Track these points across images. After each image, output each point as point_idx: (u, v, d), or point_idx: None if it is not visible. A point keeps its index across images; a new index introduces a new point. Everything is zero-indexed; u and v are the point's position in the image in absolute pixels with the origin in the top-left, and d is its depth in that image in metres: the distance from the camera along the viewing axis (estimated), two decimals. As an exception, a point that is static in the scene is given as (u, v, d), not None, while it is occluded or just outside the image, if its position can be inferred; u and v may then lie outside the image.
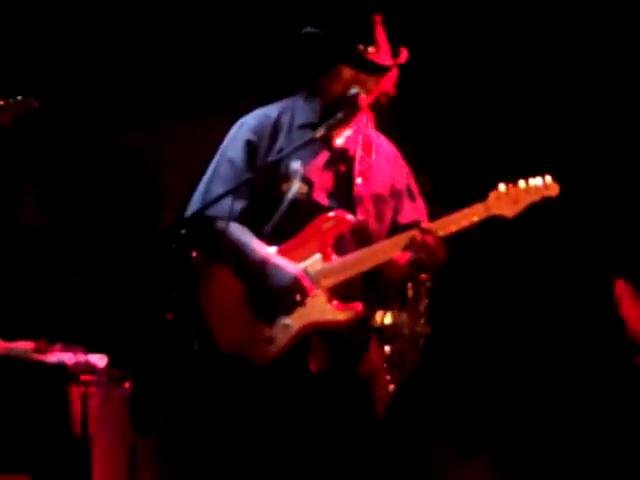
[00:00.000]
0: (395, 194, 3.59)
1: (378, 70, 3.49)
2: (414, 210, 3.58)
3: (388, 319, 3.53)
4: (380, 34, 3.50)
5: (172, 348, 3.89)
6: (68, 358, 4.40)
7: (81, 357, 4.43)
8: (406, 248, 3.37)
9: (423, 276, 3.53)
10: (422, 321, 3.51)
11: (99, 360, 4.49)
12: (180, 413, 4.65)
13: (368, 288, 3.50)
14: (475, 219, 3.36)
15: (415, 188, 3.65)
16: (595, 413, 4.96)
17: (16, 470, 4.21)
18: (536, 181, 3.36)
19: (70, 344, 4.50)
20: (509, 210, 3.35)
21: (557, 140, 5.19)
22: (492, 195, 3.37)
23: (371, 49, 3.47)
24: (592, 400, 5.01)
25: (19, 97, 3.71)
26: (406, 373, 3.74)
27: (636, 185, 5.12)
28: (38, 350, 4.41)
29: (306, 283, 3.37)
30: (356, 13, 3.56)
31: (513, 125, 5.24)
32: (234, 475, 3.41)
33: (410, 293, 3.47)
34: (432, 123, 5.18)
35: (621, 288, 4.83)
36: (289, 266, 3.39)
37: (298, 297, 3.37)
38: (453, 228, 3.38)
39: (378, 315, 3.64)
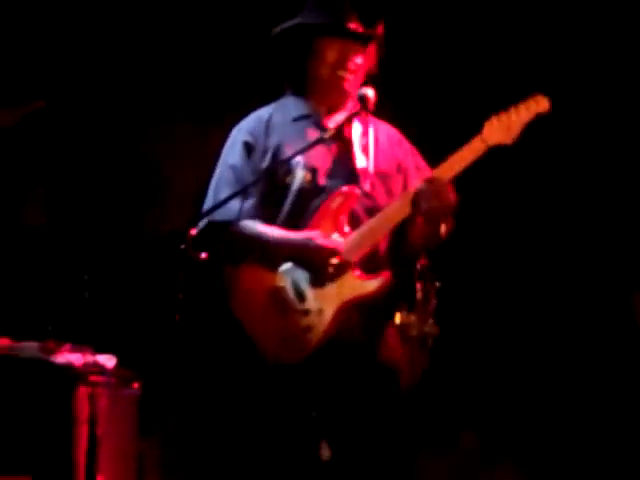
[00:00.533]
0: (402, 171, 3.63)
1: (362, 38, 3.56)
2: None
3: (397, 320, 3.51)
4: (351, 12, 3.59)
5: (181, 349, 3.88)
6: (77, 359, 4.40)
7: (90, 358, 4.43)
8: (415, 202, 3.39)
9: (443, 228, 3.51)
10: (430, 321, 3.49)
11: (107, 361, 4.49)
12: (195, 417, 4.66)
13: (395, 256, 3.53)
14: (474, 155, 3.38)
15: (424, 165, 3.68)
16: (613, 418, 4.95)
17: (19, 471, 4.21)
18: (525, 101, 3.38)
19: (79, 344, 4.50)
20: (506, 137, 3.37)
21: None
22: (486, 126, 3.39)
23: (349, 24, 3.55)
24: (610, 404, 5.00)
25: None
26: (414, 375, 3.72)
27: None
28: (46, 350, 4.41)
29: (335, 244, 3.39)
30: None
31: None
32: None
33: (419, 294, 3.45)
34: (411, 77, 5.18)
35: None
36: (313, 234, 3.43)
37: (334, 260, 3.39)
38: (456, 169, 3.40)
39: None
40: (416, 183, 3.56)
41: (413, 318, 3.47)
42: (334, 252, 3.41)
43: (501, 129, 3.37)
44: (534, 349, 5.23)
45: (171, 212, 5.45)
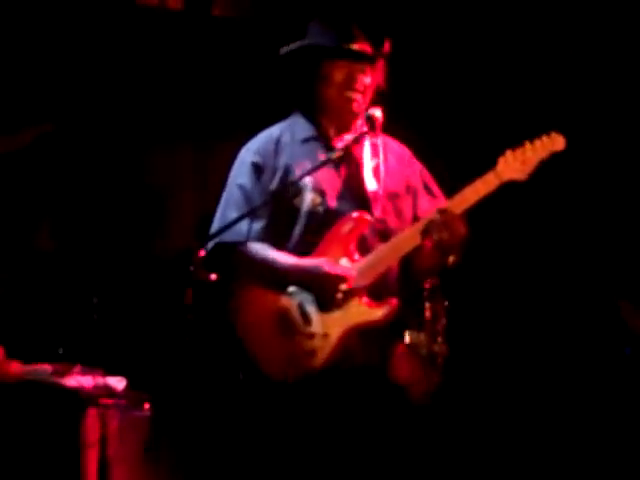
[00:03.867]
0: (411, 191, 3.62)
1: (367, 59, 3.56)
2: (434, 204, 3.59)
3: (406, 339, 3.52)
4: (357, 30, 3.58)
5: (191, 370, 3.89)
6: (87, 381, 4.40)
7: (100, 380, 4.44)
8: (425, 232, 3.39)
9: (452, 259, 3.51)
10: (440, 340, 3.49)
11: (118, 383, 4.49)
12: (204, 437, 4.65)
13: (404, 283, 3.54)
14: (488, 189, 3.38)
15: (433, 184, 3.68)
16: (614, 432, 4.94)
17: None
18: (541, 138, 3.38)
19: (89, 367, 4.50)
20: (520, 173, 3.37)
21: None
22: (500, 161, 3.39)
23: (354, 45, 3.55)
24: (610, 418, 4.99)
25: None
26: (426, 393, 3.72)
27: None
28: (57, 373, 4.42)
29: (344, 271, 3.40)
30: (331, 18, 3.63)
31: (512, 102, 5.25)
32: None
33: (428, 313, 3.46)
34: (426, 106, 5.19)
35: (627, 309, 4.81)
36: (321, 260, 3.43)
37: (343, 287, 3.39)
38: (468, 202, 3.41)
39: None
40: (425, 203, 3.56)
41: (422, 337, 3.48)
42: (342, 279, 3.41)
43: (516, 165, 3.37)
44: (538, 367, 5.23)
45: (178, 232, 5.46)
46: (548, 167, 3.38)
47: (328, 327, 3.41)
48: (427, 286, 3.51)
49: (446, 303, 3.47)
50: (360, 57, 3.55)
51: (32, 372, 4.41)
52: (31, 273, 5.27)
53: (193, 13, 5.50)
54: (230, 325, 3.51)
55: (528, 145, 3.38)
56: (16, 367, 4.43)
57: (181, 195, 5.54)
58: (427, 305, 3.47)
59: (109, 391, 4.44)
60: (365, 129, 3.55)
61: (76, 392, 4.35)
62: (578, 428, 5.11)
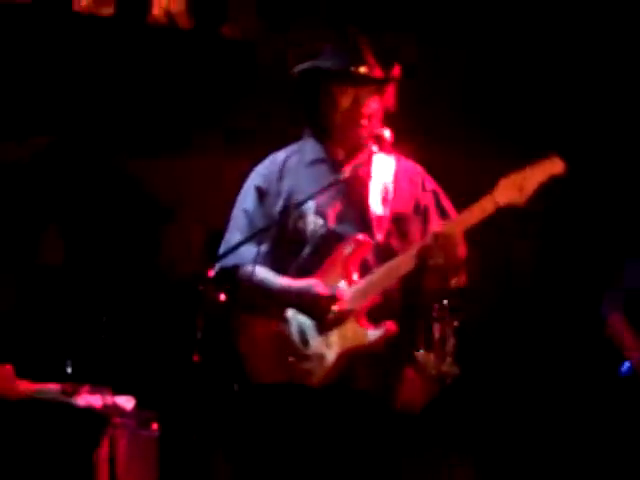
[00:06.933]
0: (421, 211, 3.59)
1: (374, 82, 3.53)
2: None
3: (415, 360, 3.51)
4: (368, 53, 3.55)
5: (200, 390, 3.89)
6: (96, 400, 4.41)
7: (109, 399, 4.44)
8: (421, 256, 3.38)
9: (454, 281, 3.50)
10: (449, 360, 3.48)
11: (126, 402, 4.49)
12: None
13: (409, 305, 3.52)
14: (484, 214, 3.36)
15: (448, 204, 3.63)
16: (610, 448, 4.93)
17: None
18: (540, 161, 3.34)
19: (98, 386, 4.50)
20: (518, 198, 3.34)
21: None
22: (499, 185, 3.36)
23: (362, 69, 3.51)
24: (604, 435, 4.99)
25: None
26: (420, 404, 3.72)
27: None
28: (65, 392, 4.42)
29: (333, 292, 3.40)
30: (341, 39, 3.61)
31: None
32: None
33: (437, 334, 3.45)
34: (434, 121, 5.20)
35: (617, 322, 4.79)
36: (312, 281, 3.43)
37: (334, 308, 3.39)
38: (464, 226, 3.39)
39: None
40: (437, 225, 3.56)
41: (432, 357, 3.47)
42: (333, 300, 3.40)
43: (514, 190, 3.34)
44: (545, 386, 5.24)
45: (188, 251, 5.47)
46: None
47: (324, 349, 3.42)
48: (436, 307, 3.50)
49: (456, 323, 3.46)
50: (366, 81, 3.53)
51: (41, 391, 4.41)
52: (38, 289, 5.27)
53: (202, 32, 5.53)
54: (232, 345, 3.51)
55: (527, 169, 3.35)
56: (25, 386, 4.43)
57: (191, 212, 5.55)
58: (436, 325, 3.46)
59: (118, 410, 4.44)
60: (374, 150, 3.55)
61: (90, 413, 4.35)
62: (574, 439, 5.12)
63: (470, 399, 5.10)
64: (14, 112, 5.20)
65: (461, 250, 3.43)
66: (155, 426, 4.60)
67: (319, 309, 3.42)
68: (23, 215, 5.35)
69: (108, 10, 5.40)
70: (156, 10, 5.48)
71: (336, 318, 3.41)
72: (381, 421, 3.46)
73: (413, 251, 3.41)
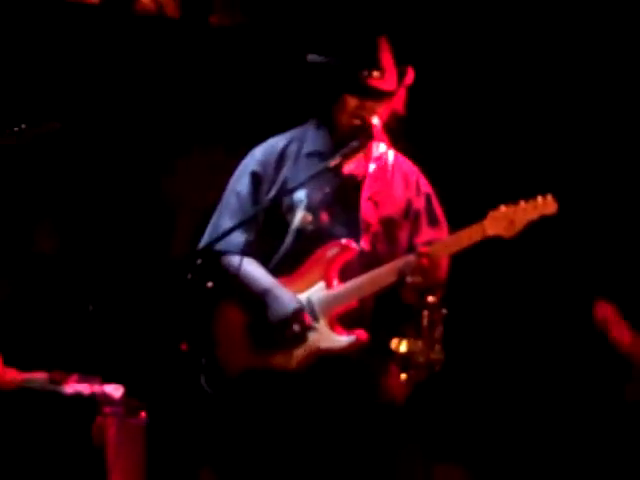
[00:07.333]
0: (411, 215, 3.59)
1: (382, 96, 3.51)
2: (432, 233, 3.58)
3: (403, 347, 3.52)
4: (385, 56, 3.52)
5: (187, 378, 3.90)
6: (85, 389, 4.40)
7: (97, 388, 4.43)
8: (402, 272, 3.39)
9: (431, 298, 3.51)
10: (437, 348, 3.50)
11: (115, 391, 4.49)
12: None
13: (381, 313, 3.52)
14: (471, 241, 3.39)
15: (438, 211, 3.63)
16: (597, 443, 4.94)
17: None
18: (535, 200, 3.37)
19: (86, 374, 4.50)
20: (506, 231, 3.37)
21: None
22: (490, 216, 3.39)
23: (375, 74, 3.49)
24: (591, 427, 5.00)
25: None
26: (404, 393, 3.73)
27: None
28: (54, 381, 4.41)
29: (304, 316, 3.40)
30: (359, 38, 3.59)
31: (516, 144, 5.25)
32: None
33: (425, 321, 3.46)
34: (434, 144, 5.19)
35: (604, 310, 4.78)
36: (287, 298, 3.42)
37: (297, 328, 3.39)
38: (450, 251, 3.42)
39: (393, 343, 3.66)
40: (424, 231, 3.56)
41: (420, 345, 3.48)
42: (302, 324, 3.40)
43: (504, 222, 3.37)
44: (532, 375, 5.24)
45: (179, 241, 5.47)
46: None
47: (295, 348, 3.43)
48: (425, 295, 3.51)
49: (444, 311, 3.47)
50: (380, 95, 3.51)
51: (29, 380, 4.40)
52: (30, 278, 5.26)
53: (190, 21, 5.52)
54: (207, 325, 3.51)
55: (521, 204, 3.38)
56: (13, 375, 4.43)
57: (183, 200, 5.54)
58: (424, 313, 3.47)
59: (107, 399, 4.44)
60: (366, 142, 3.53)
61: (82, 400, 4.35)
62: (569, 434, 5.13)
63: (462, 400, 5.12)
64: (3, 103, 5.18)
65: (442, 272, 3.47)
66: (143, 414, 4.60)
67: (284, 329, 3.42)
68: (18, 204, 5.33)
69: (96, -2, 5.40)
70: (144, -2, 5.47)
71: (299, 335, 3.41)
72: (366, 413, 3.47)
73: (395, 265, 3.42)
